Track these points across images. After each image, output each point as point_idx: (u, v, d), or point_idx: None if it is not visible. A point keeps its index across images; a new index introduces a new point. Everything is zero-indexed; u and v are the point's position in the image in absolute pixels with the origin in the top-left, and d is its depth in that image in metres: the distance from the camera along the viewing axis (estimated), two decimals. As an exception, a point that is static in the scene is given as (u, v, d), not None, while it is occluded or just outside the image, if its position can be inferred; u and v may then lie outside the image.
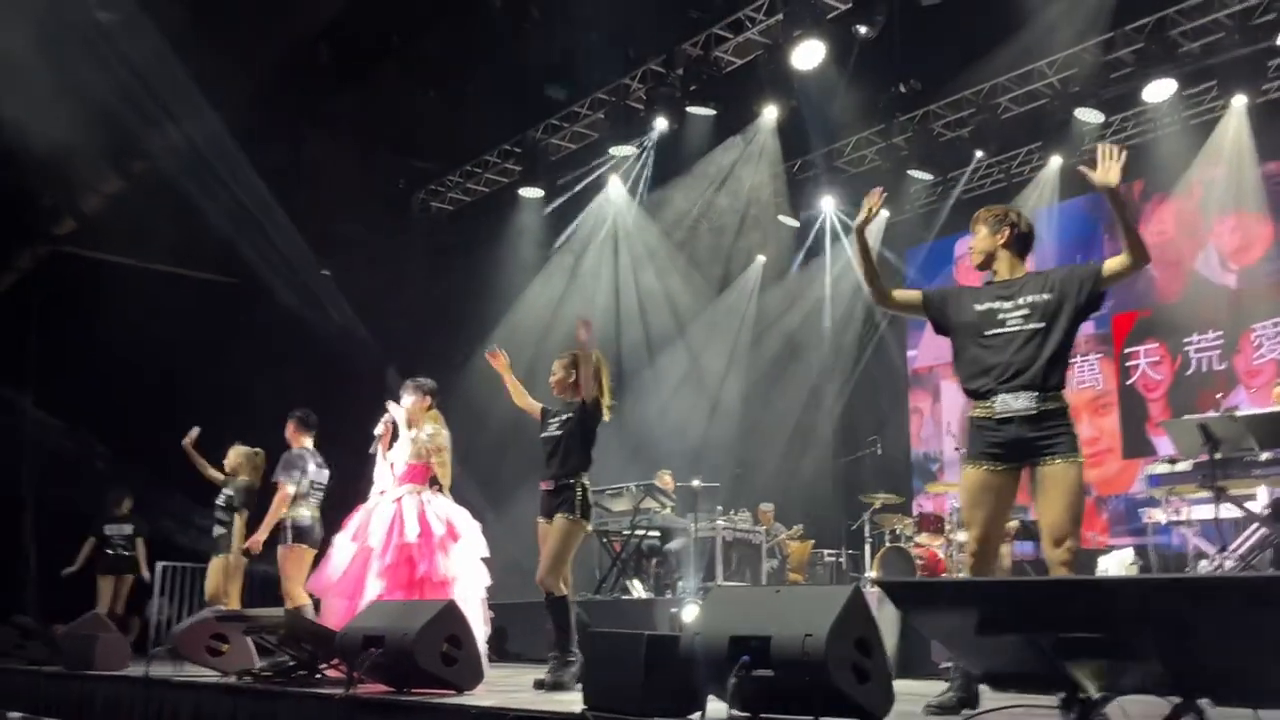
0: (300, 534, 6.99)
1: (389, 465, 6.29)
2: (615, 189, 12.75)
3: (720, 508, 10.54)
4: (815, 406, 13.33)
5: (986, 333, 4.15)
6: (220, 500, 7.96)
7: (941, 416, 13.46)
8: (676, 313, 13.13)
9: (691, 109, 10.87)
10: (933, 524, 9.86)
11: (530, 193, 12.53)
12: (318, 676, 5.44)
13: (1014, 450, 4.01)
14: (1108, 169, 3.94)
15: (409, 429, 6.33)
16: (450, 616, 4.92)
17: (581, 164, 12.43)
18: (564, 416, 5.88)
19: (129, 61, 9.23)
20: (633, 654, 3.61)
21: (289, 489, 7.00)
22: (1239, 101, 10.70)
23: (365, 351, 11.47)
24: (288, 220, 11.18)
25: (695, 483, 10.02)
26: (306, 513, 7.07)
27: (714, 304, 13.40)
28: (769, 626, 3.42)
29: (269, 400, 8.35)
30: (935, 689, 4.29)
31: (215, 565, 7.85)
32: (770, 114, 11.52)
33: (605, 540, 10.24)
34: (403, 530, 5.93)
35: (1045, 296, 4.10)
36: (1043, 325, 4.06)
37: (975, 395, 4.13)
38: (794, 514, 12.05)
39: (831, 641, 3.29)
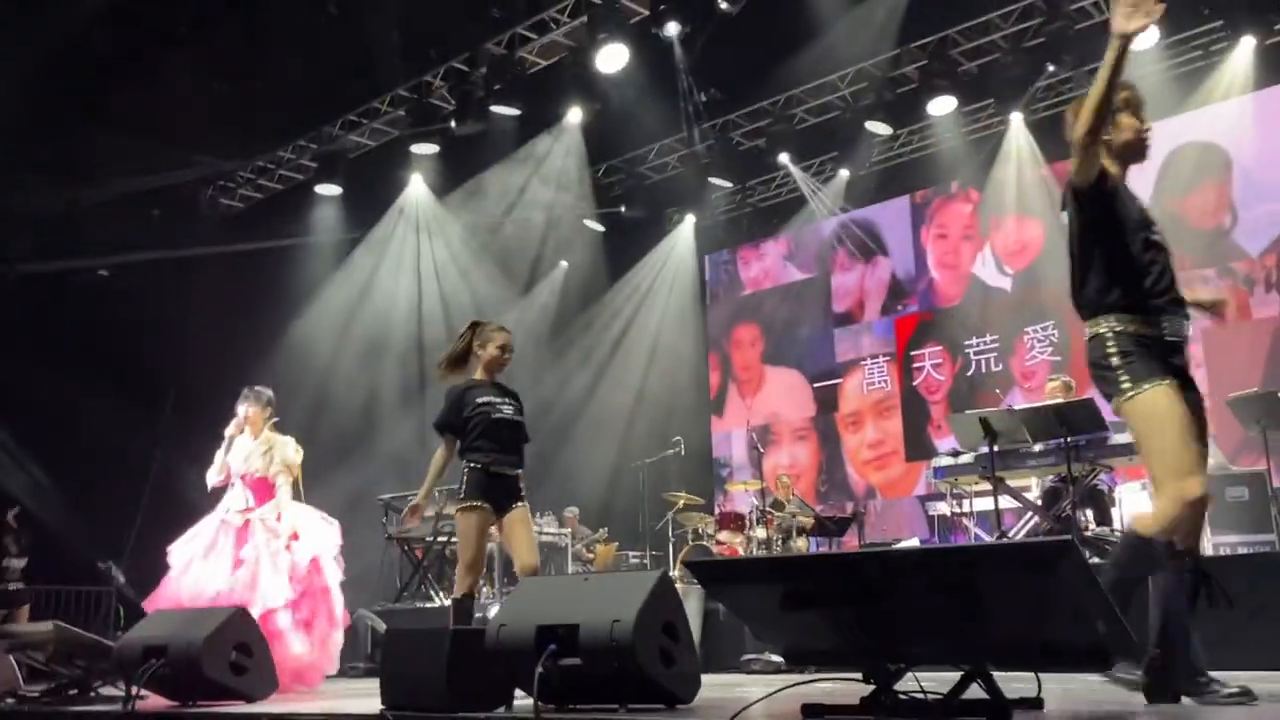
0: None
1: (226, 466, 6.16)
2: (417, 188, 12.50)
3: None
4: (620, 410, 13.41)
5: (1153, 235, 3.53)
6: None
7: (728, 425, 13.86)
8: (480, 314, 12.88)
9: (496, 108, 10.76)
10: (733, 521, 10.07)
11: (327, 190, 12.12)
12: (92, 694, 5.06)
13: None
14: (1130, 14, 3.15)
15: (251, 439, 6.18)
16: (239, 624, 4.69)
17: (382, 162, 12.11)
18: (513, 400, 5.25)
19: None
20: (435, 650, 3.49)
21: None
22: (1016, 117, 11.42)
23: (150, 355, 10.80)
24: (64, 217, 10.49)
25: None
26: None
27: (518, 306, 13.28)
28: (576, 614, 3.38)
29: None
30: (738, 681, 4.34)
31: None
32: (575, 116, 11.55)
33: (407, 548, 9.99)
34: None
35: None
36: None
37: (1153, 308, 3.44)
38: (599, 517, 12.09)
39: (639, 626, 3.28)
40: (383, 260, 12.66)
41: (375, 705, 3.65)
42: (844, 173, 12.59)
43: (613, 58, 10.04)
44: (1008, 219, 11.96)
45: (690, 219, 13.79)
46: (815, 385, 13.30)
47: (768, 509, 9.93)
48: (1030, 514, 8.09)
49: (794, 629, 3.06)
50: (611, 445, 13.00)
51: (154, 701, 4.55)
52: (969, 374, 12.01)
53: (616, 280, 14.02)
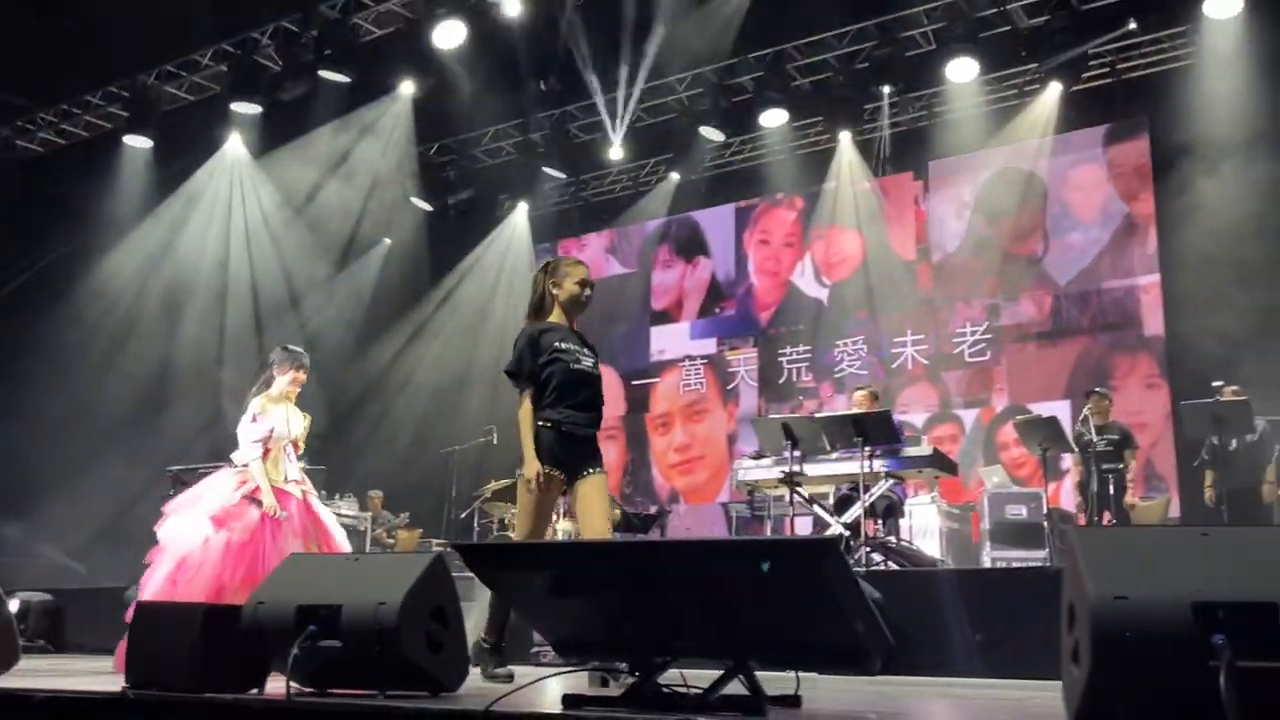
0: None
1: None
2: (234, 147, 11.93)
3: (323, 492, 10.08)
4: (439, 395, 13.12)
5: None
6: None
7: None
8: (291, 285, 12.46)
9: (325, 74, 10.38)
10: (540, 513, 9.97)
11: (137, 141, 11.43)
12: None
13: None
14: None
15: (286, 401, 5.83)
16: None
17: (199, 117, 11.52)
18: (593, 352, 4.62)
19: None
20: (185, 627, 3.28)
21: None
22: (845, 136, 11.73)
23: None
24: None
25: (301, 464, 9.51)
26: None
27: (334, 280, 12.85)
28: (341, 595, 3.23)
29: None
30: (526, 673, 4.26)
31: None
32: (408, 90, 11.26)
33: (197, 523, 9.50)
34: None
35: None
36: None
37: None
38: (407, 502, 11.81)
39: (405, 610, 3.16)
40: (189, 221, 12.01)
41: (119, 683, 3.41)
42: (675, 175, 12.68)
43: (450, 34, 9.85)
44: (830, 230, 12.25)
45: (523, 207, 13.63)
46: (628, 383, 13.29)
47: (574, 502, 9.89)
48: (831, 517, 8.30)
49: (564, 618, 3.01)
50: (427, 431, 12.72)
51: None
52: (780, 381, 12.28)
53: (441, 262, 13.72)
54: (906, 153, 11.65)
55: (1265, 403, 7.90)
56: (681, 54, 10.93)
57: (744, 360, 12.62)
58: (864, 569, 6.54)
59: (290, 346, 6.09)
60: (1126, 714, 2.19)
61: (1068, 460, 9.30)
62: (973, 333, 11.21)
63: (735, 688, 2.77)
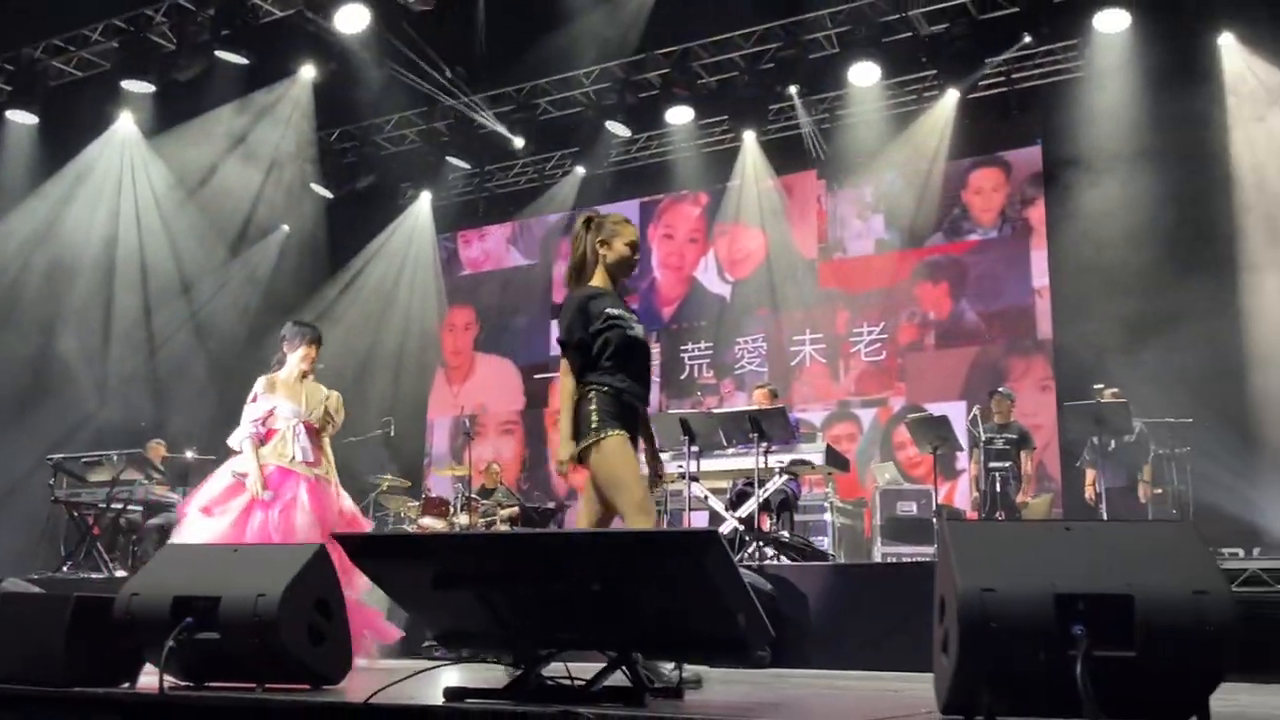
0: None
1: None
2: (125, 125, 11.52)
3: (215, 484, 9.85)
4: (332, 383, 12.84)
5: None
6: None
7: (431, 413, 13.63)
8: (183, 269, 12.09)
9: (222, 54, 10.10)
10: (437, 506, 9.89)
11: (21, 117, 10.98)
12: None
13: None
14: None
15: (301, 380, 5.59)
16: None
17: (88, 94, 11.11)
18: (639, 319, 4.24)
19: None
20: (54, 618, 3.18)
21: None
22: (749, 136, 11.83)
23: None
24: None
25: (189, 455, 9.33)
26: None
27: (228, 266, 12.51)
28: (219, 586, 3.17)
29: None
30: (416, 665, 4.22)
31: None
32: (308, 74, 11.04)
33: (76, 514, 9.19)
34: None
35: None
36: None
37: None
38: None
39: (286, 602, 3.12)
40: (76, 199, 11.55)
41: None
42: (580, 169, 12.66)
43: (352, 18, 9.68)
44: (733, 227, 12.33)
45: (426, 196, 13.46)
46: (527, 377, 13.18)
47: (473, 495, 9.85)
48: (729, 512, 8.38)
49: (447, 610, 2.99)
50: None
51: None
52: (682, 377, 12.35)
53: (341, 250, 13.45)
54: (809, 152, 11.80)
55: (1142, 405, 8.20)
56: (589, 48, 10.90)
57: (646, 355, 12.60)
58: (757, 563, 6.62)
59: (301, 320, 5.89)
60: (991, 701, 2.26)
61: (964, 459, 9.54)
62: (870, 333, 11.41)
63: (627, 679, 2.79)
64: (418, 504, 10.30)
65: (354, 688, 3.19)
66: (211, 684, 3.23)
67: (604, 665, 2.84)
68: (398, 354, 13.22)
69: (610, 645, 2.87)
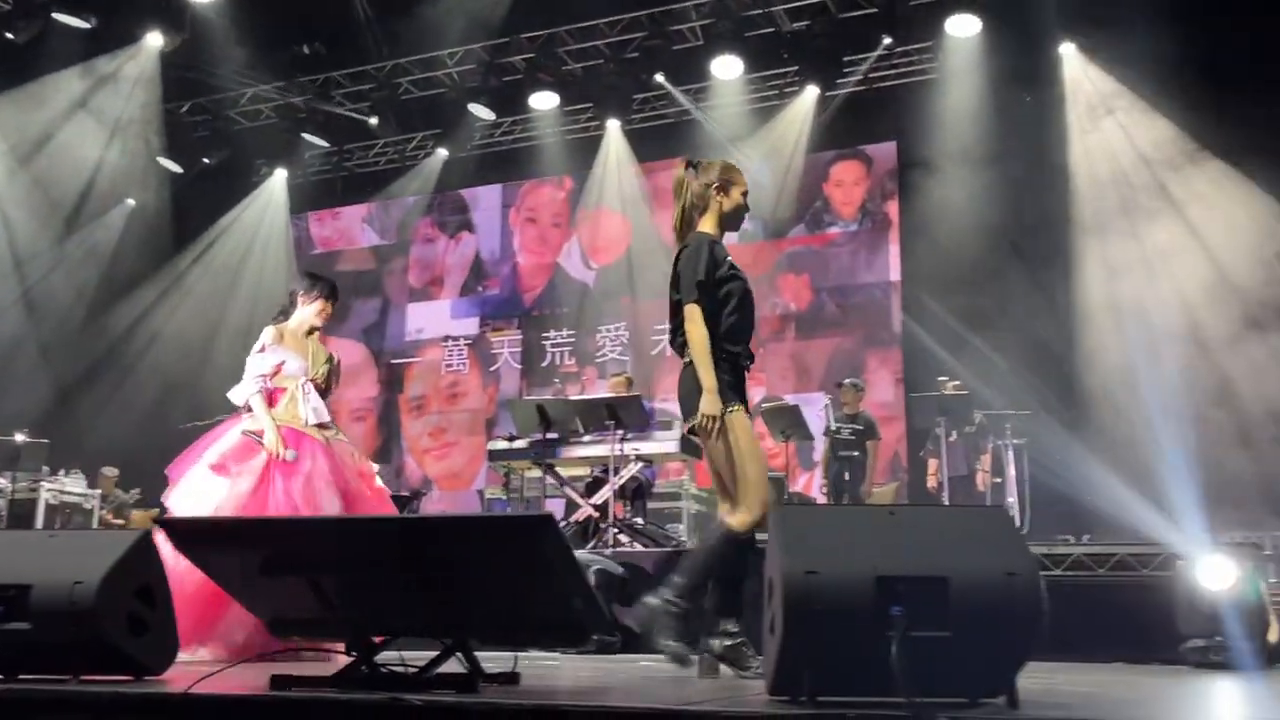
0: None
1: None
2: (-48, 89, 10.85)
3: (47, 468, 9.41)
4: (177, 362, 12.36)
5: None
6: None
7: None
8: (14, 243, 11.43)
9: (60, 16, 9.60)
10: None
11: None
12: None
13: None
14: None
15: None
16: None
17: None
18: None
19: None
20: None
21: None
22: (614, 124, 11.83)
23: None
24: None
25: (18, 437, 8.87)
26: None
27: (65, 241, 11.88)
28: (31, 573, 3.00)
29: None
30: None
31: None
32: (155, 41, 10.56)
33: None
34: None
35: None
36: None
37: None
38: (142, 479, 11.09)
39: (104, 590, 2.97)
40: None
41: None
42: (443, 151, 12.47)
43: (204, -15, 9.31)
44: (597, 213, 12.31)
45: (282, 173, 13.05)
46: (382, 363, 12.95)
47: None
48: (584, 499, 8.39)
49: (277, 597, 2.90)
50: (169, 404, 11.97)
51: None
52: (543, 364, 12.29)
53: (189, 227, 12.94)
54: (674, 141, 11.85)
55: (982, 397, 8.54)
56: (453, 29, 10.74)
57: (507, 342, 12.52)
58: (610, 549, 6.65)
59: (315, 272, 5.45)
60: (812, 681, 2.30)
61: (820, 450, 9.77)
62: (729, 322, 11.53)
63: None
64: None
65: (178, 678, 3.07)
66: (23, 676, 3.06)
67: (439, 652, 2.80)
68: (245, 334, 12.75)
69: (446, 632, 2.83)
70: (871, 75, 11.17)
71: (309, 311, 5.09)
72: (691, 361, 3.62)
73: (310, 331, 5.10)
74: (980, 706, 2.32)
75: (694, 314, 3.60)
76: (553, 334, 12.34)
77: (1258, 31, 8.05)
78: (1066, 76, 10.09)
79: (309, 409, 4.90)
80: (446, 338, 12.74)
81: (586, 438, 7.52)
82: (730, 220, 3.84)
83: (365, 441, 12.56)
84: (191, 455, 4.82)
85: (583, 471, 8.42)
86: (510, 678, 2.97)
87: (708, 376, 3.54)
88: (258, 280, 12.82)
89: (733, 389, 3.62)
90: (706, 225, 3.79)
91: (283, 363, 4.91)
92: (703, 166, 3.84)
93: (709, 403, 3.54)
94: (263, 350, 4.93)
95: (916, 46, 10.87)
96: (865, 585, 2.31)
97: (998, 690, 2.37)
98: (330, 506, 4.67)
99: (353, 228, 13.49)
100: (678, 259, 3.74)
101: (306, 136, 12.22)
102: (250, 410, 4.83)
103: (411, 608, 2.80)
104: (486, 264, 12.79)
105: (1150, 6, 8.16)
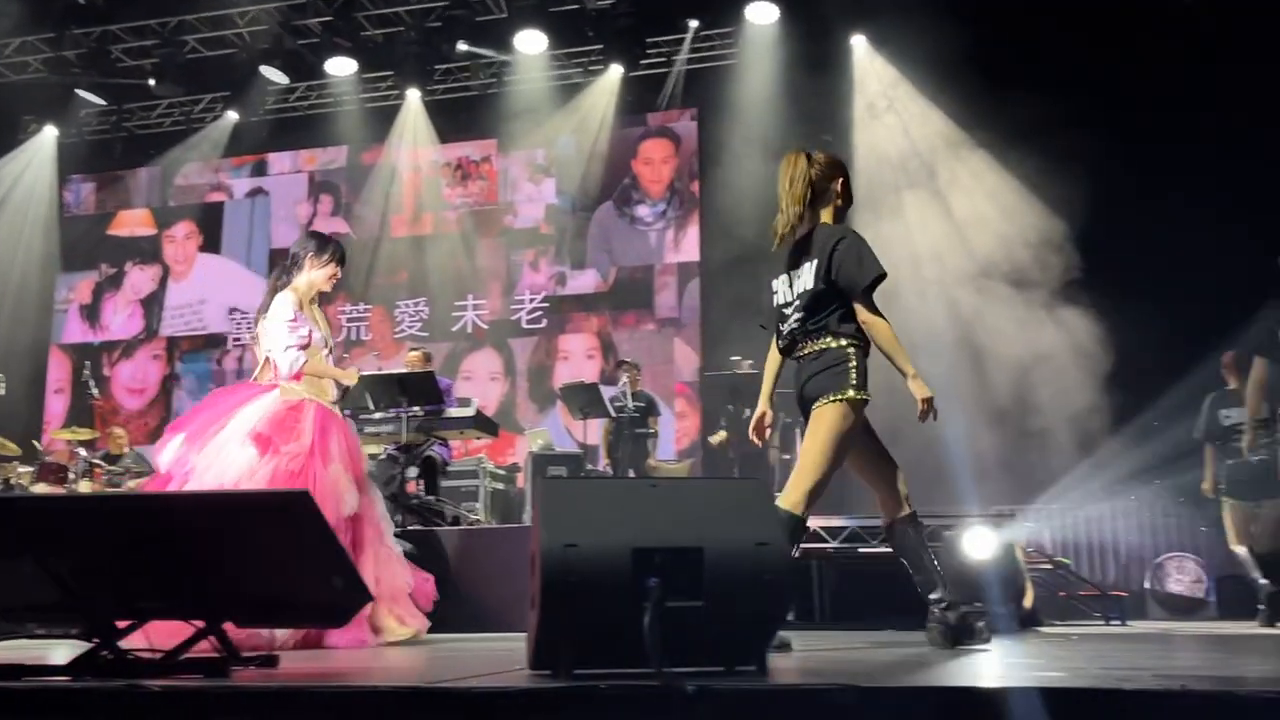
0: None
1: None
2: None
3: None
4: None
5: None
6: None
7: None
8: None
9: None
10: (54, 473, 9.05)
11: None
12: None
13: None
14: None
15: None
16: None
17: None
18: None
19: None
20: None
21: None
22: (414, 94, 11.55)
23: None
24: None
25: None
26: None
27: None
28: None
29: None
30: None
31: None
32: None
33: None
34: None
35: None
36: None
37: None
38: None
39: None
40: None
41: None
42: (233, 114, 11.90)
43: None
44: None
45: (51, 131, 12.17)
46: (162, 336, 12.37)
47: (96, 461, 9.09)
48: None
49: (7, 581, 2.70)
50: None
51: None
52: (340, 339, 11.93)
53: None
54: (479, 113, 11.69)
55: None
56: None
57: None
58: (400, 527, 6.52)
59: (319, 232, 4.85)
60: (570, 653, 2.31)
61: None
62: (532, 300, 11.50)
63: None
64: (33, 469, 9.36)
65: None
66: None
67: (191, 635, 2.67)
68: (11, 301, 11.94)
69: (198, 613, 2.70)
70: (677, 57, 11.29)
71: (320, 275, 4.62)
72: (826, 348, 3.69)
73: (315, 298, 4.68)
74: (733, 675, 2.37)
75: (867, 308, 3.68)
76: (349, 308, 12.00)
77: (1029, 31, 8.54)
78: (855, 67, 10.47)
79: (329, 382, 4.57)
80: (233, 310, 12.20)
81: (378, 414, 7.34)
82: (843, 213, 3.94)
83: (143, 421, 11.92)
84: (207, 416, 4.31)
85: (373, 449, 8.23)
86: (268, 660, 2.86)
87: (907, 364, 3.65)
88: (13, 245, 11.95)
89: (866, 375, 3.71)
90: (826, 216, 3.86)
91: (312, 332, 4.50)
92: (817, 159, 3.87)
93: (923, 386, 3.65)
94: (294, 320, 4.44)
95: (718, 31, 11.05)
96: (622, 557, 2.32)
97: (750, 658, 2.43)
98: (349, 492, 4.31)
99: (131, 191, 12.73)
100: (835, 246, 3.70)
101: (80, 93, 11.43)
102: (278, 374, 4.40)
103: (161, 589, 2.65)
104: (276, 233, 12.28)
105: (933, 3, 8.54)
